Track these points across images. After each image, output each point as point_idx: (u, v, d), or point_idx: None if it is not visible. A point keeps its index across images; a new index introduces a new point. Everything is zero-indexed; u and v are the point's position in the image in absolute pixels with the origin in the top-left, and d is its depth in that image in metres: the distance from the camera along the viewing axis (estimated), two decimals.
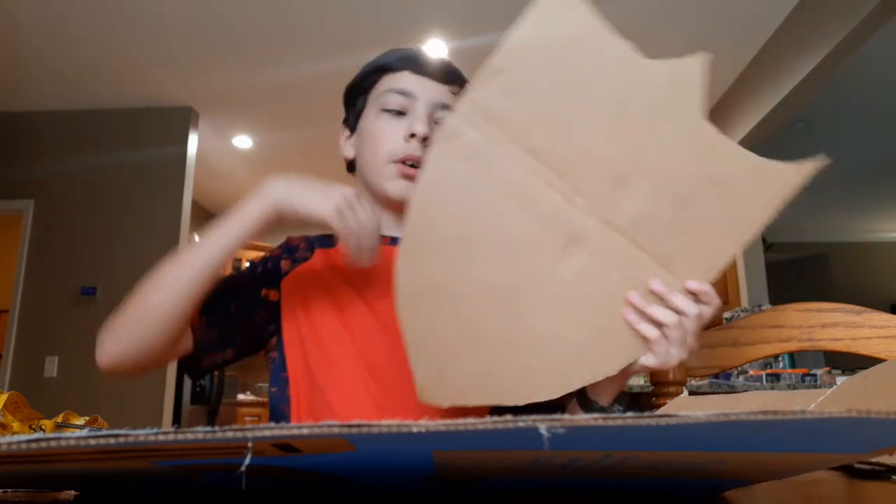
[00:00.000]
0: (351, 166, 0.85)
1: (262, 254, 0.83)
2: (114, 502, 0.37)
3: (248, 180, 5.34)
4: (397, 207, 0.78)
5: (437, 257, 0.58)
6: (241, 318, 0.76)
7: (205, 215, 6.06)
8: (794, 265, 6.99)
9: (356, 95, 0.83)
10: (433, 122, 0.77)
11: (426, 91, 0.77)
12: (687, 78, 0.54)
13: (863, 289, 6.81)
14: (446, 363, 0.58)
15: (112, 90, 3.77)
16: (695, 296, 0.57)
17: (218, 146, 4.60)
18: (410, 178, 0.75)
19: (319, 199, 0.64)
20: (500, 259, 0.57)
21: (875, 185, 5.50)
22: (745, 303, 3.71)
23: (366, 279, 0.77)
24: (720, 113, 3.91)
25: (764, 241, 3.98)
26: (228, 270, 0.77)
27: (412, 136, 0.75)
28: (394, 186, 0.76)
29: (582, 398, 0.68)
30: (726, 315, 3.44)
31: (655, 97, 0.54)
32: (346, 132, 0.85)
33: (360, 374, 0.73)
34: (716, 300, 0.58)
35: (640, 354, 0.58)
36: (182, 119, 3.95)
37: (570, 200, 0.56)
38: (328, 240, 0.84)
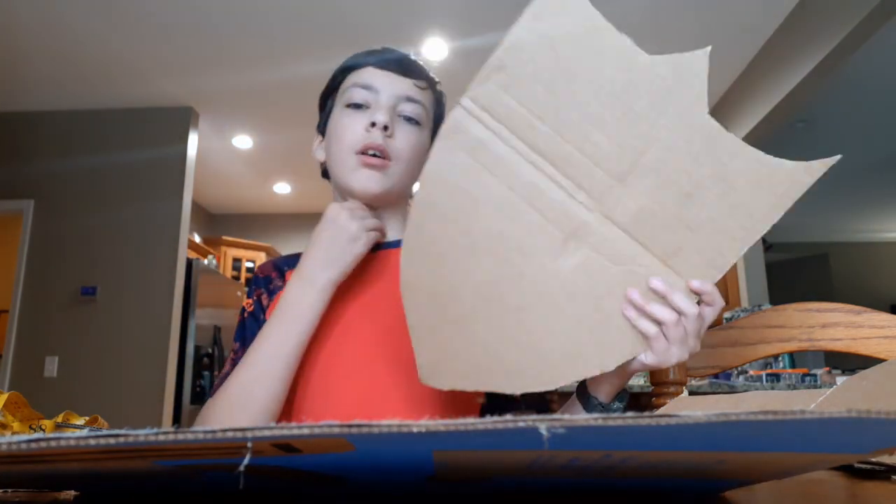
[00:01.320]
0: (325, 173, 0.85)
1: (248, 301, 0.83)
2: (114, 502, 0.37)
3: (248, 180, 5.35)
4: (366, 201, 0.78)
5: (438, 248, 0.58)
6: None
7: (205, 215, 6.06)
8: (794, 265, 6.99)
9: (325, 99, 0.84)
10: (396, 114, 0.77)
11: (389, 84, 0.77)
12: (689, 73, 0.53)
13: (863, 289, 6.82)
14: (446, 350, 0.59)
15: (112, 90, 3.77)
16: (697, 296, 0.56)
17: (218, 146, 4.60)
18: (373, 167, 0.75)
19: (350, 245, 0.71)
20: (500, 252, 0.58)
21: (875, 185, 5.50)
22: (745, 303, 3.71)
23: (343, 287, 0.76)
24: (720, 113, 3.91)
25: (764, 241, 3.98)
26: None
27: (372, 125, 0.74)
28: (356, 178, 0.75)
29: (582, 392, 0.68)
30: (726, 315, 3.44)
31: (657, 92, 0.53)
32: (319, 137, 0.85)
33: (346, 366, 0.73)
34: (719, 301, 0.57)
35: (636, 352, 0.58)
36: (182, 119, 3.96)
37: (571, 196, 0.56)
38: (294, 260, 0.83)
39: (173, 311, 3.70)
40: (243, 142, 4.54)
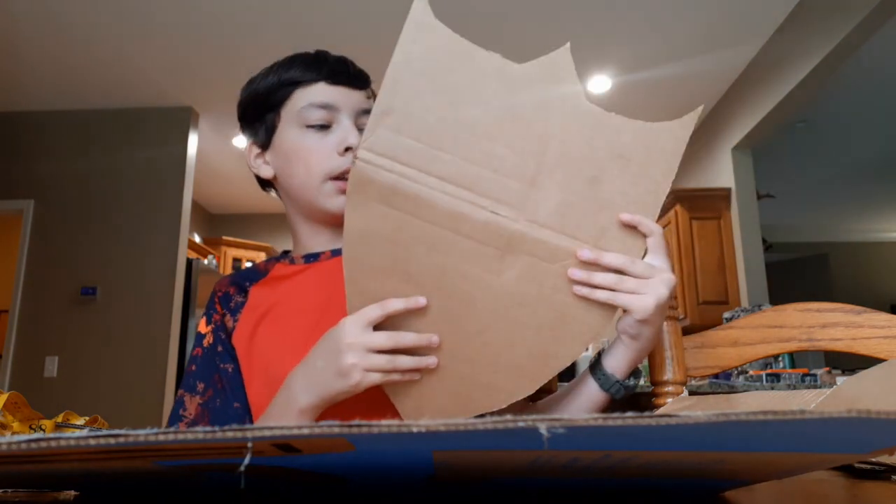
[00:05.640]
0: (265, 183, 0.83)
1: (208, 329, 0.79)
2: (114, 502, 0.37)
3: (248, 180, 5.34)
4: (336, 221, 0.77)
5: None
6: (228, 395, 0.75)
7: (205, 215, 6.06)
8: (794, 265, 6.99)
9: (262, 112, 0.79)
10: (357, 128, 0.75)
11: (346, 100, 0.75)
12: (559, 70, 0.57)
13: (863, 289, 6.81)
14: (421, 394, 0.61)
15: (112, 90, 3.77)
16: (634, 229, 0.60)
17: (218, 146, 4.60)
18: None
19: (335, 379, 0.58)
20: (443, 286, 0.59)
21: (875, 185, 5.50)
22: (745, 303, 3.71)
23: (307, 296, 0.76)
24: (720, 113, 3.91)
25: (764, 241, 3.98)
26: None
27: (347, 149, 0.73)
28: (334, 203, 0.75)
29: (596, 368, 0.68)
30: (726, 315, 3.44)
31: (536, 95, 0.57)
32: (255, 149, 0.81)
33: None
34: (655, 228, 0.60)
35: (601, 330, 0.61)
36: (182, 119, 3.95)
37: (495, 212, 0.58)
38: (255, 272, 0.82)
39: (173, 311, 3.70)
40: (243, 142, 4.52)
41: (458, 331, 0.60)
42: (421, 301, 0.58)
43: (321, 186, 0.75)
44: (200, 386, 0.75)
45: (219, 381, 0.76)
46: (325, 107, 0.74)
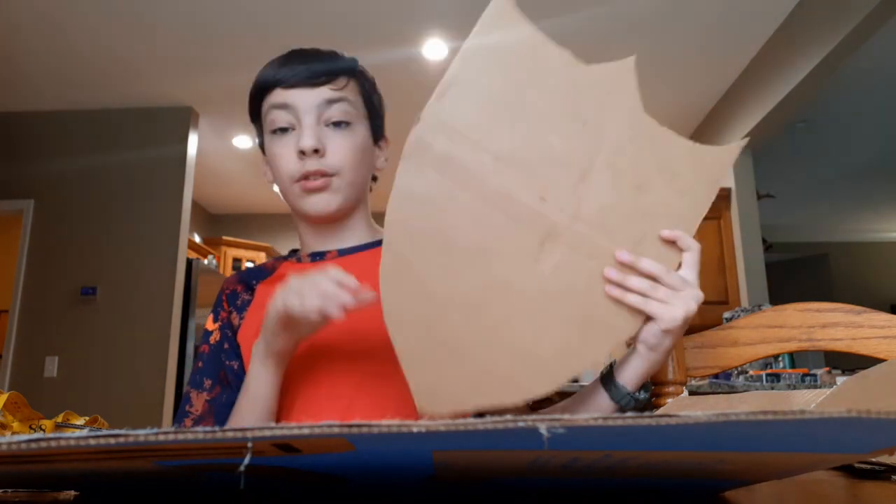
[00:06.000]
0: None
1: (215, 325, 0.80)
2: (114, 502, 0.37)
3: (249, 180, 5.35)
4: (323, 221, 0.78)
5: (417, 270, 0.59)
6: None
7: (205, 215, 6.06)
8: (794, 265, 6.99)
9: (254, 121, 0.82)
10: (323, 123, 0.74)
11: (305, 99, 0.74)
12: (622, 79, 0.59)
13: (863, 289, 6.81)
14: (439, 375, 0.59)
15: (112, 90, 3.77)
16: (673, 244, 0.60)
17: (218, 146, 4.60)
18: (316, 190, 0.74)
19: (301, 300, 0.59)
20: (479, 264, 0.59)
21: (875, 185, 5.50)
22: (745, 303, 3.71)
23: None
24: (720, 113, 3.91)
25: (764, 241, 3.98)
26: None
27: (302, 153, 0.73)
28: (306, 204, 0.75)
29: (607, 379, 0.67)
30: (726, 315, 3.44)
31: (598, 97, 0.59)
32: (264, 156, 0.83)
33: (322, 382, 0.72)
34: (693, 244, 0.61)
35: (626, 334, 0.60)
36: (182, 119, 3.95)
37: (541, 199, 0.58)
38: (262, 271, 0.83)
39: (173, 311, 3.70)
40: (243, 142, 4.54)
41: (486, 313, 0.59)
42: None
43: (291, 188, 0.75)
44: (207, 382, 0.76)
45: (225, 377, 0.77)
46: (282, 107, 0.75)
